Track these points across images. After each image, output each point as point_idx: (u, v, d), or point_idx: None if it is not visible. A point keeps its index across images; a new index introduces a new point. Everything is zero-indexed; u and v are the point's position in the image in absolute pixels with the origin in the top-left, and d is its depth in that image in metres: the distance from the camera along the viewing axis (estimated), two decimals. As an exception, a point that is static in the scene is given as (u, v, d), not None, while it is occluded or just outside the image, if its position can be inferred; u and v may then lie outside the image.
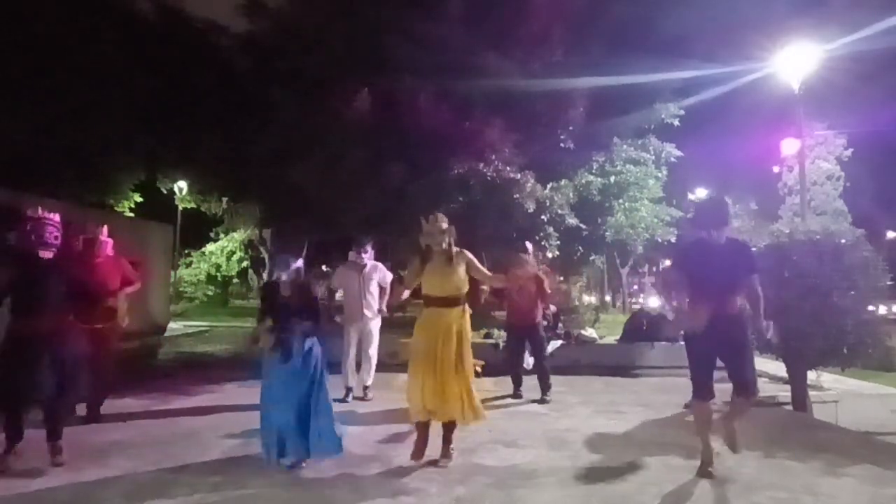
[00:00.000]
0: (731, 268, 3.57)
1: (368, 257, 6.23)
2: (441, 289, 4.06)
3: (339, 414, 4.29)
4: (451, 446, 4.10)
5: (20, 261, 3.96)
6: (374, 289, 6.18)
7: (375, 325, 6.25)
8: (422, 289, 4.16)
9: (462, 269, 4.09)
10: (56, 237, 4.04)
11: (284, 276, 4.04)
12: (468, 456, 4.22)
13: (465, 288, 4.12)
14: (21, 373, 3.76)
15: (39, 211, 4.06)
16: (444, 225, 4.10)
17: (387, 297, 6.20)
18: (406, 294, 4.46)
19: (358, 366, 6.26)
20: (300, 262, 4.18)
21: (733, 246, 3.71)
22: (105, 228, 5.38)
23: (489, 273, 4.32)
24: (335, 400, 4.56)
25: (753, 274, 3.64)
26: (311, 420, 3.92)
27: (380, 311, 6.23)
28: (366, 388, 6.20)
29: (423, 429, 4.11)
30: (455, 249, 4.11)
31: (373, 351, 6.21)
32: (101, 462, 4.04)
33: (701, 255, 3.72)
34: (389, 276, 6.35)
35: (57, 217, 4.12)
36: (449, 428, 4.10)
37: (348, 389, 6.16)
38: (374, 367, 6.25)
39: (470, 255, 4.16)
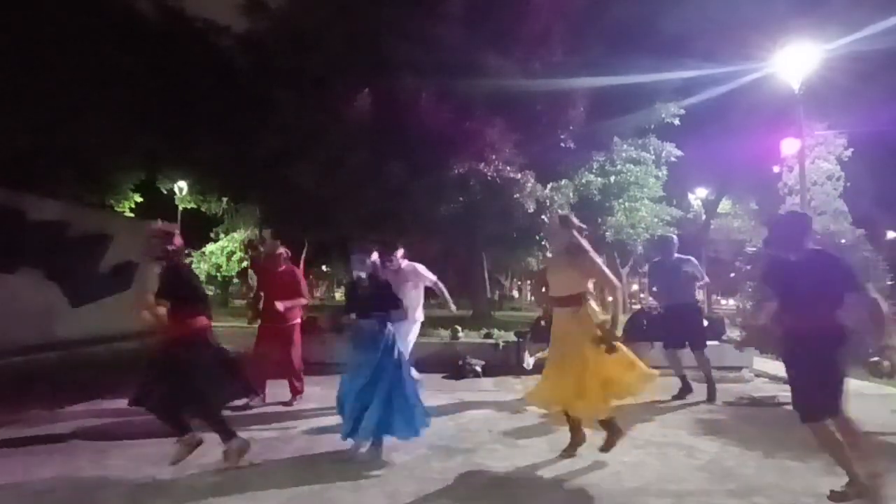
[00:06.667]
0: (814, 285, 3.15)
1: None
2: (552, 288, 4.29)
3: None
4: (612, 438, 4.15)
5: None
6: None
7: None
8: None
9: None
10: None
11: (363, 274, 4.36)
12: (468, 456, 4.22)
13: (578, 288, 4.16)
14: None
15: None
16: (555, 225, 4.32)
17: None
18: None
19: None
20: (375, 258, 4.46)
21: (819, 260, 3.24)
22: (278, 242, 6.34)
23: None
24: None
25: (849, 292, 3.14)
26: (393, 401, 4.13)
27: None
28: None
29: (568, 422, 4.26)
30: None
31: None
32: (101, 462, 4.04)
33: (781, 274, 3.38)
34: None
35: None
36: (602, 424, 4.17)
37: None
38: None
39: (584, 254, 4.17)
